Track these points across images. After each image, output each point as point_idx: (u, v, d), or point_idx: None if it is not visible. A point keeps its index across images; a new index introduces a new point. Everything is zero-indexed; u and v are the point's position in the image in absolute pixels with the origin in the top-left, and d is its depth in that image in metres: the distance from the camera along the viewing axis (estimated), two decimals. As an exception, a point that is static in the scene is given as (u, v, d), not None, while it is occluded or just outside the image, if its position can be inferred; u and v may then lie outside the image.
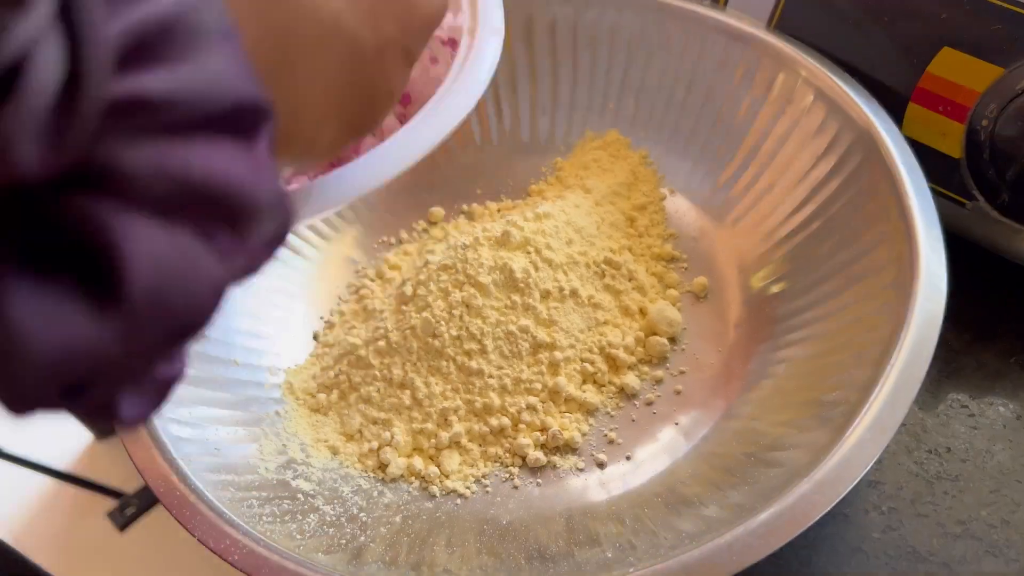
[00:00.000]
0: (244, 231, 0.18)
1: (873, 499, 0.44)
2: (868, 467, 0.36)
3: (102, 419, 0.19)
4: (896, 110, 0.50)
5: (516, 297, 0.49)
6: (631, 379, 0.49)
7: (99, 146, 0.16)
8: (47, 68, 0.14)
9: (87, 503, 1.43)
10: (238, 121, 0.18)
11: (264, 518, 0.40)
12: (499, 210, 0.61)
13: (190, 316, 0.18)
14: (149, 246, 0.16)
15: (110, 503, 1.39)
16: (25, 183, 0.15)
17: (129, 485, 1.37)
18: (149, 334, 0.17)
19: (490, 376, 0.48)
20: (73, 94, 0.15)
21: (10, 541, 1.01)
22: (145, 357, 0.18)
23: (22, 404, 0.17)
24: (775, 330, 0.49)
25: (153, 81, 0.16)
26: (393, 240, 0.60)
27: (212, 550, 0.36)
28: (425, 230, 0.60)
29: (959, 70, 0.48)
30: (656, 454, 0.46)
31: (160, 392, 0.20)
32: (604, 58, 0.62)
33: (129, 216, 0.16)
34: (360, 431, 0.48)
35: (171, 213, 0.17)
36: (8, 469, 1.24)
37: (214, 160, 0.17)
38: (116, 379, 0.18)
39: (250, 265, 0.20)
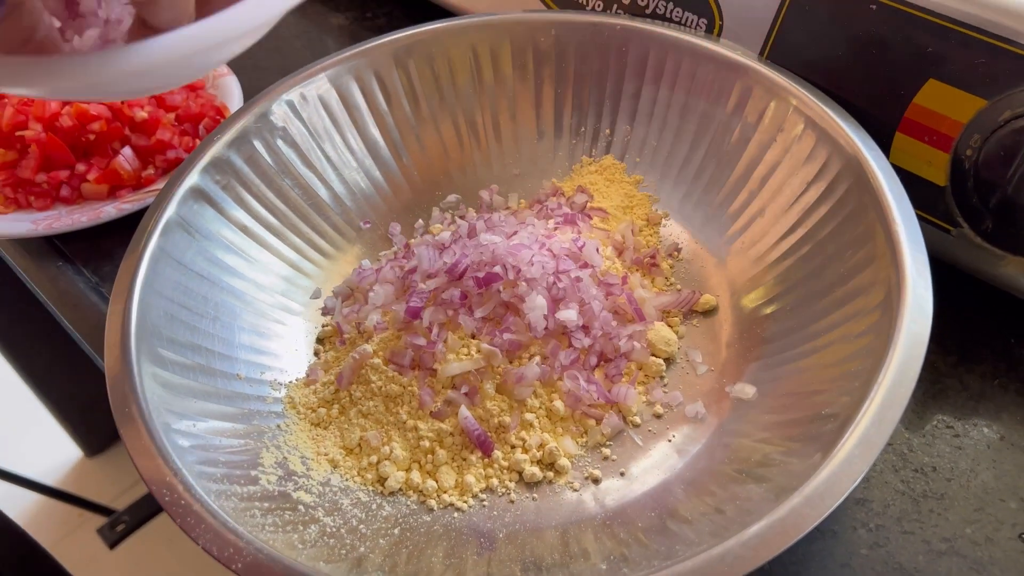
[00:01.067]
0: None
1: (860, 516, 0.46)
2: (856, 482, 0.37)
3: None
4: (884, 139, 0.52)
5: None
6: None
7: None
8: None
9: (77, 519, 1.43)
10: None
11: (267, 527, 0.40)
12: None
13: None
14: None
15: (100, 520, 1.39)
16: None
17: (119, 502, 1.36)
18: None
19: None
20: None
21: None
22: None
23: None
24: (765, 350, 0.51)
25: None
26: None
27: (216, 558, 0.37)
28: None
29: (944, 102, 0.50)
30: (649, 470, 0.47)
31: None
32: (599, 85, 0.63)
33: None
34: (359, 445, 0.49)
35: None
36: (-1, 485, 1.23)
37: None
38: None
39: None
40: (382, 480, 0.47)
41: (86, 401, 1.33)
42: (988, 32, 0.48)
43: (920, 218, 0.47)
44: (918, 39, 0.50)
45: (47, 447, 1.45)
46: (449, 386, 0.50)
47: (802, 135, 0.54)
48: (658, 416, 0.50)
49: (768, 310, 0.52)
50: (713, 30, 0.60)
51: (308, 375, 0.53)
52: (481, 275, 0.51)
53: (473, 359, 0.49)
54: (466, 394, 0.49)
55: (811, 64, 0.55)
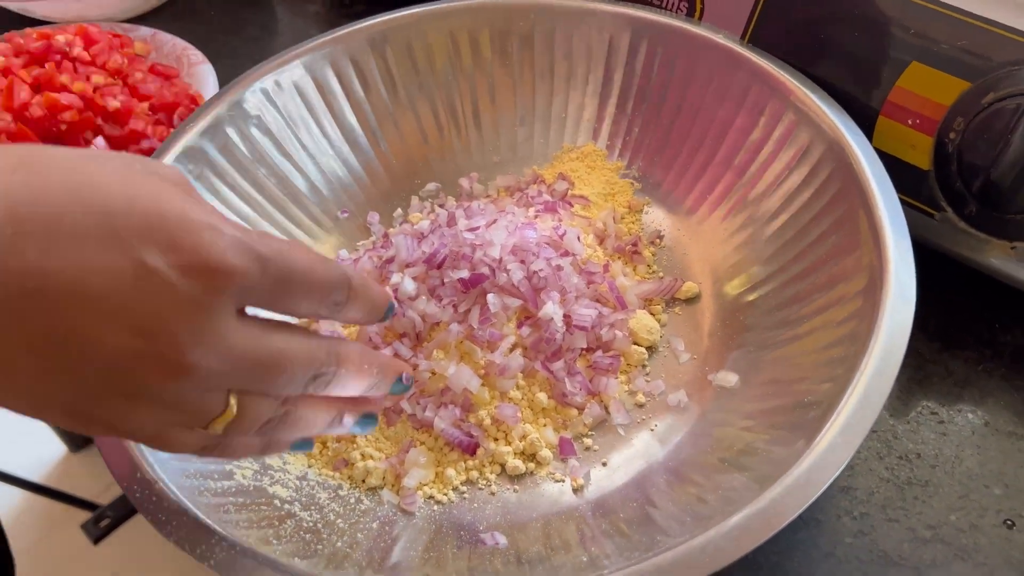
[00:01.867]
0: None
1: (845, 504, 0.45)
2: (839, 471, 0.36)
3: None
4: (867, 123, 0.51)
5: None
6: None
7: None
8: None
9: (60, 515, 1.41)
10: None
11: (240, 523, 0.39)
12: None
13: None
14: None
15: (83, 515, 1.37)
16: None
17: (103, 497, 1.35)
18: None
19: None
20: None
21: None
22: None
23: None
24: (748, 337, 0.50)
25: None
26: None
27: (189, 554, 0.36)
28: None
29: (928, 84, 0.49)
30: (631, 459, 0.47)
31: None
32: (580, 70, 0.63)
33: None
34: (337, 439, 0.48)
35: None
36: (-21, 481, 1.21)
37: None
38: None
39: None
40: (361, 474, 0.47)
41: (69, 396, 1.31)
42: (972, 14, 0.48)
43: (903, 203, 0.46)
44: (901, 21, 0.50)
45: (30, 442, 1.43)
46: (433, 392, 0.49)
47: (784, 119, 0.53)
48: (640, 405, 0.50)
49: (750, 297, 0.52)
50: (694, 13, 0.59)
51: None
52: (467, 276, 0.50)
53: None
54: (461, 407, 0.48)
55: (793, 47, 0.55)
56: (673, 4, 0.60)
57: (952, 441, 0.47)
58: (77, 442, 1.45)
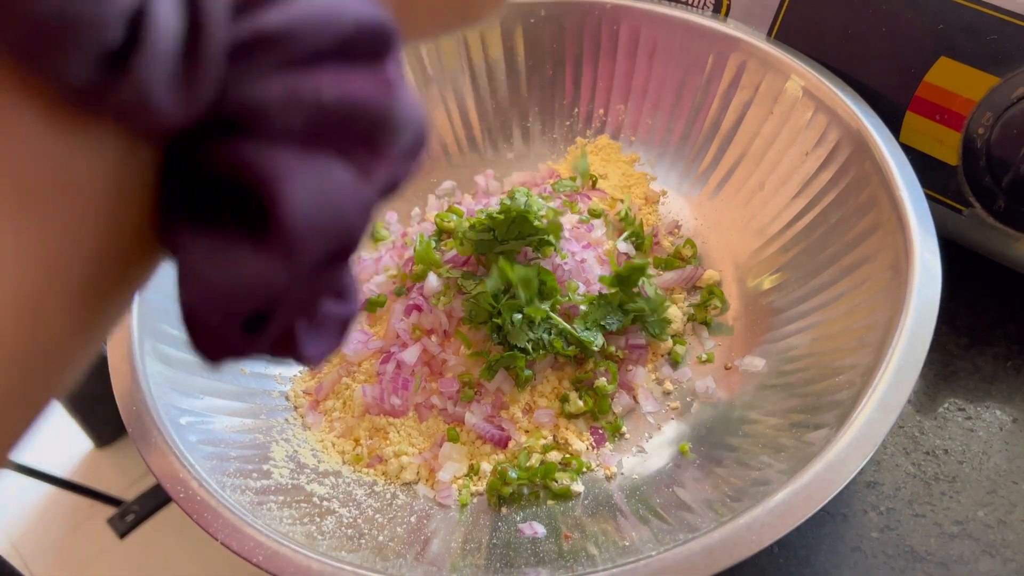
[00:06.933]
0: (383, 147, 0.19)
1: (871, 499, 0.45)
2: (877, 446, 0.37)
3: (287, 357, 0.19)
4: (894, 119, 0.51)
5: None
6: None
7: (232, 89, 0.17)
8: (167, 16, 0.15)
9: (87, 510, 1.43)
10: (361, 43, 0.18)
11: (284, 520, 0.40)
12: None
13: (345, 235, 0.18)
14: (298, 176, 0.17)
15: (110, 510, 1.39)
16: (164, 131, 0.16)
17: (129, 493, 1.37)
18: (310, 258, 0.18)
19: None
20: (196, 38, 0.15)
21: (10, 547, 1.01)
22: (311, 282, 0.18)
23: (213, 349, 0.18)
24: (774, 322, 0.50)
25: (270, 17, 0.16)
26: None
27: (235, 552, 0.36)
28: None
29: (956, 79, 0.49)
30: (662, 446, 0.47)
31: (338, 330, 0.21)
32: (593, 65, 0.63)
33: (273, 151, 0.17)
34: (370, 436, 0.49)
35: (311, 140, 0.17)
36: (9, 476, 1.24)
37: (343, 83, 0.17)
38: (289, 309, 0.18)
39: (393, 179, 0.20)
40: (395, 469, 0.47)
41: (95, 392, 1.32)
42: (1000, 8, 0.47)
43: (931, 198, 0.46)
44: (929, 17, 0.50)
45: (57, 439, 1.45)
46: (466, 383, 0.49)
47: (799, 105, 0.53)
48: (668, 393, 0.50)
49: (774, 282, 0.52)
50: (720, 10, 0.59)
51: (312, 367, 0.53)
52: None
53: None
54: (491, 404, 0.49)
55: (820, 44, 0.55)
56: (698, 0, 0.60)
57: (980, 437, 0.47)
58: (103, 437, 1.47)
